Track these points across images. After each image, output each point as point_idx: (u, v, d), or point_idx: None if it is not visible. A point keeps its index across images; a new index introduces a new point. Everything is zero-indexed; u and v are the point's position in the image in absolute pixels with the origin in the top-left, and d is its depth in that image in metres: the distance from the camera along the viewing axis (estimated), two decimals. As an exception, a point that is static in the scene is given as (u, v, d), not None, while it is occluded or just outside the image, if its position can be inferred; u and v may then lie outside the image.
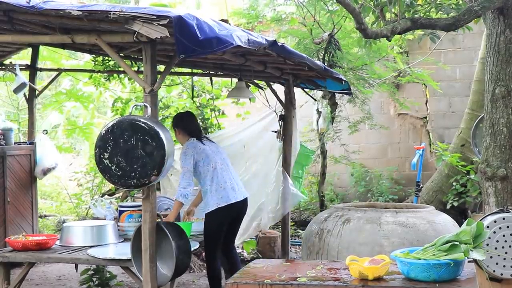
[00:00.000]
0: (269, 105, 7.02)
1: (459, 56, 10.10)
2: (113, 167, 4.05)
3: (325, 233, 5.30)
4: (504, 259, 3.25)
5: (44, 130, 7.49)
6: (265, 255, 7.36)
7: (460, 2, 5.92)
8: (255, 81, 7.13)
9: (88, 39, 4.27)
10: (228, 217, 5.44)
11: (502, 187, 5.04)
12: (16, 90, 6.59)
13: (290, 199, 6.75)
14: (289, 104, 6.82)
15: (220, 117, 8.76)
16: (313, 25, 8.09)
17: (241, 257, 7.34)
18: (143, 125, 4.00)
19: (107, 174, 4.10)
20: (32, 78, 7.25)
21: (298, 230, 9.39)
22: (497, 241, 3.27)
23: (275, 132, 6.89)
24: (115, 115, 8.57)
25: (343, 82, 6.66)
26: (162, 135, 4.01)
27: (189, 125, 5.56)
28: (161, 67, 6.28)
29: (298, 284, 3.61)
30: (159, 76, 4.28)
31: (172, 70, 6.88)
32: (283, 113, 6.83)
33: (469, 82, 9.63)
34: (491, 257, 3.26)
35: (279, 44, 4.82)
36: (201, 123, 8.36)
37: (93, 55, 7.10)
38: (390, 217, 5.21)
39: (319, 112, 8.65)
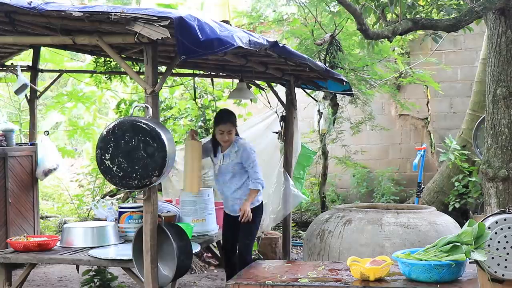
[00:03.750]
0: (270, 106, 7.02)
1: (460, 57, 10.09)
2: (114, 168, 4.05)
3: (326, 234, 5.30)
4: (506, 260, 3.25)
5: (46, 131, 7.49)
6: (267, 256, 7.35)
7: (461, 2, 5.91)
8: (257, 82, 7.13)
9: (89, 40, 4.27)
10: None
11: (504, 188, 5.04)
12: (18, 91, 6.59)
13: (291, 200, 6.75)
14: (290, 105, 6.81)
15: (221, 118, 8.74)
16: (314, 26, 8.09)
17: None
18: (144, 126, 4.00)
19: (108, 175, 4.11)
20: (33, 79, 7.26)
21: (299, 231, 9.38)
22: (499, 242, 3.27)
23: (276, 133, 6.89)
24: (119, 116, 8.56)
25: (344, 83, 6.66)
26: (163, 136, 4.01)
27: None
28: (162, 68, 6.27)
29: (300, 285, 3.61)
30: (160, 77, 4.28)
31: (174, 71, 6.88)
32: (284, 114, 6.83)
33: (470, 83, 9.61)
34: (492, 258, 3.26)
35: (280, 45, 4.82)
36: (202, 124, 8.36)
37: (95, 56, 7.11)
38: (391, 218, 5.21)
39: (320, 113, 8.64)
